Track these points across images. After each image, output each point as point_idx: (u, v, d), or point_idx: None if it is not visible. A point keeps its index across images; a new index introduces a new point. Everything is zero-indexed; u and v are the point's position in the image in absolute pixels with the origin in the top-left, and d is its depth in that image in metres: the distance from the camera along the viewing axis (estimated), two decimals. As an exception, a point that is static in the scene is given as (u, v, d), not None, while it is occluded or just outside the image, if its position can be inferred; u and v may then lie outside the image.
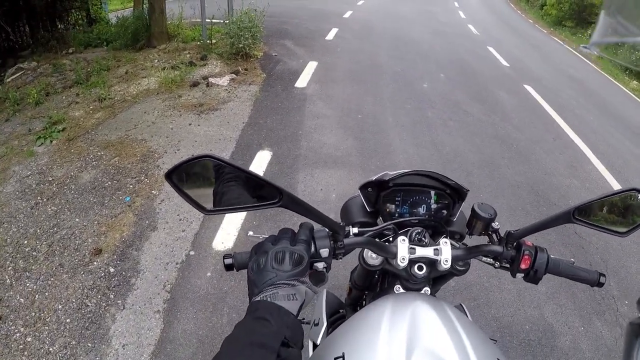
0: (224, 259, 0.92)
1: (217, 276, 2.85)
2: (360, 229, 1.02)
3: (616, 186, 4.87)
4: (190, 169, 0.76)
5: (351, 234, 0.99)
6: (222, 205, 0.81)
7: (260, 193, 0.81)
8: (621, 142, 6.51)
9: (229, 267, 0.92)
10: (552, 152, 5.45)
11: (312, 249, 0.89)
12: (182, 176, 0.77)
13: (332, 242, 0.92)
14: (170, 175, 0.75)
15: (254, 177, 0.78)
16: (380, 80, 7.01)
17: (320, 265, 0.91)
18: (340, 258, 0.96)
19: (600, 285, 1.03)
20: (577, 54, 13.83)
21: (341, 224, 0.95)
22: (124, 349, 2.39)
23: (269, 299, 0.75)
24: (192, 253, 3.02)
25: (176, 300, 2.67)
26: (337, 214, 1.23)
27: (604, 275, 1.03)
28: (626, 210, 0.97)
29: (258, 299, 0.76)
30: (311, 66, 7.05)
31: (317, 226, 0.93)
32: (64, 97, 5.62)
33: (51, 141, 4.47)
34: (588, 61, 12.93)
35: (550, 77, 9.52)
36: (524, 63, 10.37)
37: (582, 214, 0.94)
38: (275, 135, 4.69)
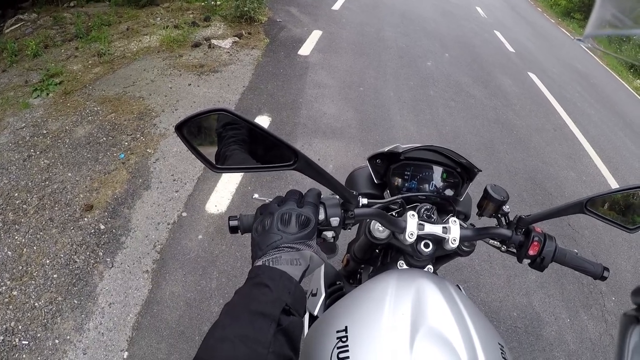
0: (229, 220, 0.88)
1: (209, 239, 2.82)
2: (369, 200, 0.98)
3: (611, 181, 4.94)
4: (202, 122, 0.72)
5: (361, 204, 0.95)
6: (233, 163, 0.76)
7: (273, 153, 0.76)
8: (621, 139, 6.54)
9: (233, 230, 0.88)
10: (552, 142, 5.47)
11: (323, 216, 0.85)
12: (193, 130, 0.72)
13: (342, 211, 0.88)
14: (180, 128, 0.70)
15: (270, 135, 0.72)
16: (384, 54, 6.89)
17: (329, 234, 0.89)
18: (350, 228, 0.94)
19: (603, 279, 1.03)
20: (584, 48, 13.66)
21: (354, 193, 0.91)
22: (110, 307, 2.39)
23: (270, 264, 0.72)
24: (184, 214, 2.99)
25: (165, 262, 2.66)
26: None
27: (607, 270, 1.02)
28: (633, 207, 0.98)
29: (260, 263, 0.73)
30: (315, 35, 6.90)
31: (328, 193, 0.90)
32: (62, 51, 5.50)
33: (47, 94, 4.38)
34: (594, 55, 12.76)
35: (555, 67, 9.40)
36: (530, 51, 10.23)
37: (594, 205, 0.93)
38: (275, 101, 4.62)
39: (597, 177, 4.95)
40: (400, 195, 1.05)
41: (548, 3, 20.30)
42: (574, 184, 4.62)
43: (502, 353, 0.79)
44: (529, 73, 8.07)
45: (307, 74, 5.45)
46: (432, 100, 5.57)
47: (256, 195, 0.95)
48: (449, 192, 1.16)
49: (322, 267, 1.41)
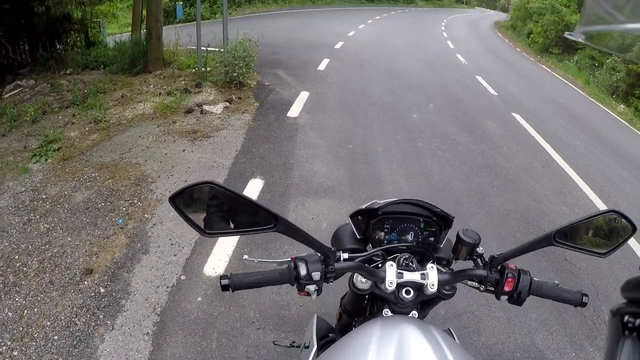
0: (220, 279, 0.99)
1: (208, 301, 2.90)
2: (350, 255, 1.09)
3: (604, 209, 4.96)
4: (192, 193, 0.86)
5: (342, 259, 1.07)
6: (221, 228, 0.92)
7: (256, 219, 0.91)
8: (610, 166, 6.64)
9: (225, 288, 0.99)
10: (541, 179, 5.56)
11: (305, 272, 0.98)
12: (185, 200, 0.86)
13: (323, 266, 1.01)
14: (174, 199, 0.84)
15: (251, 203, 0.89)
16: (370, 110, 7.18)
17: (312, 288, 1.01)
18: (331, 282, 1.05)
19: (583, 305, 1.08)
20: (565, 81, 14.31)
21: (332, 249, 1.04)
22: (111, 370, 2.43)
23: None
24: (183, 277, 3.09)
25: (166, 324, 2.71)
26: (328, 242, 1.29)
27: (586, 295, 1.08)
28: (606, 232, 1.03)
29: None
30: (303, 96, 7.23)
31: (309, 251, 1.03)
32: (60, 117, 5.72)
33: (46, 159, 4.54)
34: (575, 87, 13.40)
35: (537, 105, 9.72)
36: (512, 91, 10.62)
37: (563, 236, 1.01)
38: (267, 164, 4.81)
39: (589, 208, 4.99)
40: (379, 248, 1.15)
41: (526, 42, 21.40)
42: (567, 217, 4.59)
43: None
44: (513, 114, 8.38)
45: (296, 135, 5.68)
46: (419, 152, 5.74)
47: (246, 257, 1.10)
48: (430, 240, 1.24)
49: (315, 321, 1.47)
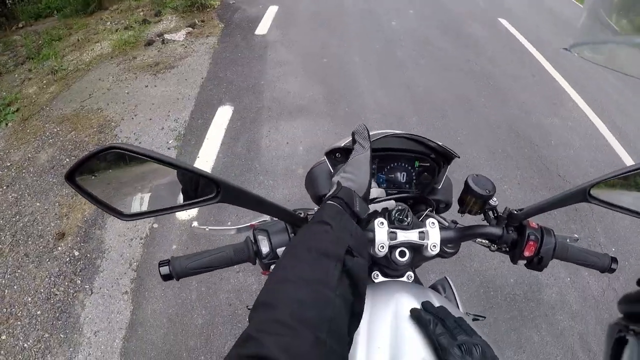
0: (159, 267, 0.77)
1: (183, 248, 2.79)
2: None
3: (599, 124, 4.67)
4: (96, 165, 0.60)
5: None
6: (144, 206, 0.66)
7: (191, 187, 0.66)
8: (604, 76, 6.07)
9: (166, 277, 0.77)
10: (532, 89, 5.22)
11: (267, 248, 0.77)
12: (88, 175, 0.60)
13: (292, 235, 0.80)
14: (71, 176, 0.58)
15: (179, 168, 0.62)
16: (345, 20, 6.70)
17: None
18: None
19: (612, 270, 0.91)
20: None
21: (299, 213, 0.80)
22: (95, 336, 2.38)
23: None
24: (155, 226, 2.96)
25: (143, 279, 2.64)
26: (307, 169, 1.08)
27: (615, 261, 0.91)
28: None
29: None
30: (272, 11, 6.72)
31: (269, 219, 0.82)
32: (16, 75, 5.36)
33: (6, 124, 4.29)
34: None
35: (525, 9, 8.86)
36: None
37: (599, 191, 0.81)
38: (236, 88, 4.53)
39: (583, 121, 4.72)
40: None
41: None
42: (560, 131, 4.43)
43: None
44: (500, 19, 7.67)
45: (266, 53, 5.32)
46: (400, 61, 5.42)
47: (195, 224, 0.88)
48: (426, 179, 1.03)
49: None
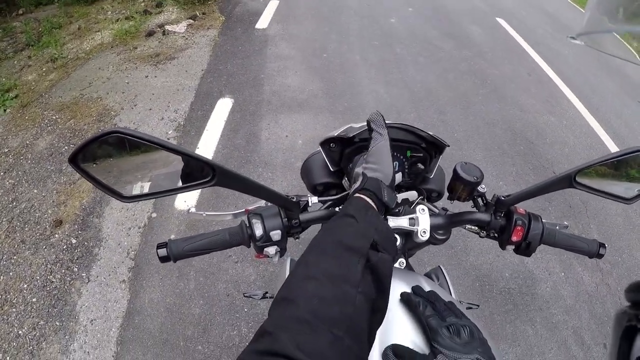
0: (157, 249, 0.80)
1: (182, 237, 2.78)
2: (320, 198, 0.90)
3: (592, 123, 4.73)
4: (98, 149, 0.62)
5: (310, 204, 0.87)
6: (144, 189, 0.69)
7: (188, 171, 0.69)
8: (598, 77, 6.20)
9: (164, 259, 0.80)
10: (528, 88, 5.27)
11: (260, 231, 0.79)
12: (89, 158, 0.63)
13: (285, 219, 0.81)
14: (74, 159, 0.61)
15: (177, 152, 0.65)
16: (345, 16, 6.69)
17: (271, 251, 0.81)
18: (298, 237, 0.86)
19: (600, 256, 0.94)
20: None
21: (293, 198, 0.83)
22: (92, 324, 2.38)
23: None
24: (154, 215, 2.96)
25: (141, 268, 2.64)
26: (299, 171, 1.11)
27: (604, 246, 0.94)
28: (631, 174, 0.87)
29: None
30: (272, 5, 6.70)
31: (263, 203, 0.84)
32: (15, 62, 5.33)
33: (5, 110, 4.28)
34: None
35: (522, 10, 8.91)
36: None
37: (584, 177, 0.83)
38: (236, 81, 4.52)
39: (577, 119, 4.77)
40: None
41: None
42: (555, 128, 4.48)
43: None
44: (497, 18, 7.72)
45: (266, 47, 5.31)
46: (399, 59, 5.42)
47: (192, 209, 0.89)
48: (418, 169, 1.04)
49: (288, 265, 1.24)
